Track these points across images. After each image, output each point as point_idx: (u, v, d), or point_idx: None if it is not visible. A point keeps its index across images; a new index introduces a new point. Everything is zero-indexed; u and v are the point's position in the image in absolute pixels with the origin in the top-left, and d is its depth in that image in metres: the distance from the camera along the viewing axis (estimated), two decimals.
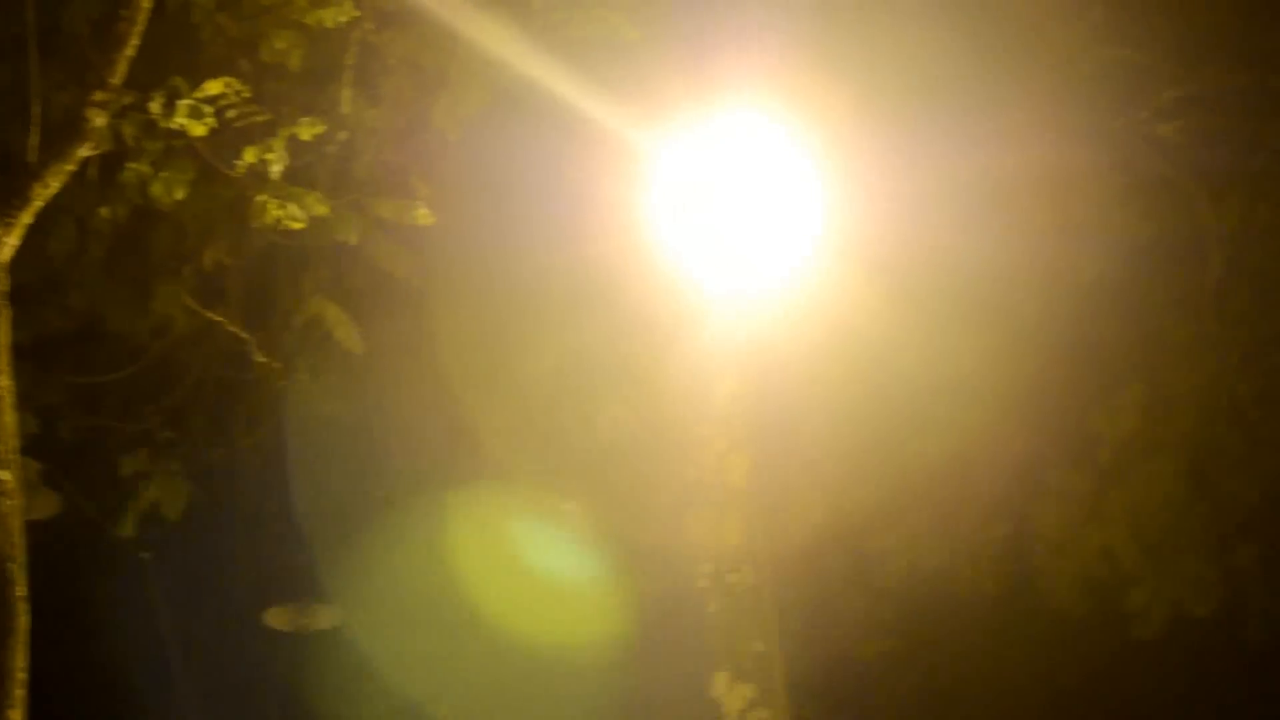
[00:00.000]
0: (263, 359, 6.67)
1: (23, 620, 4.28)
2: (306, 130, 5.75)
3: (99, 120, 4.57)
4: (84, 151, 4.59)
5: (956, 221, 6.89)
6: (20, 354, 4.57)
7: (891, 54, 6.63)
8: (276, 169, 5.69)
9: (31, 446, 5.76)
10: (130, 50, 4.61)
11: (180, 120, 5.48)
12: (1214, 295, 7.29)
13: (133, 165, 5.75)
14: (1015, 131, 6.92)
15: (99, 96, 4.56)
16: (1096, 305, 7.28)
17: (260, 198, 5.68)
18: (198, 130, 5.52)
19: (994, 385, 7.15)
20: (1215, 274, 7.28)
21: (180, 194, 5.83)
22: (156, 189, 5.80)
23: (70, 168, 4.58)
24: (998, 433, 7.33)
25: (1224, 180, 7.26)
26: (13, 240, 4.43)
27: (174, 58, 5.64)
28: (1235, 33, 7.21)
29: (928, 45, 6.65)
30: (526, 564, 7.76)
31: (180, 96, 5.48)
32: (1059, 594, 7.73)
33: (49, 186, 4.52)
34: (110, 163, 5.70)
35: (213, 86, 5.51)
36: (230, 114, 5.57)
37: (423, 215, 6.03)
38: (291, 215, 5.70)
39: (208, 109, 5.50)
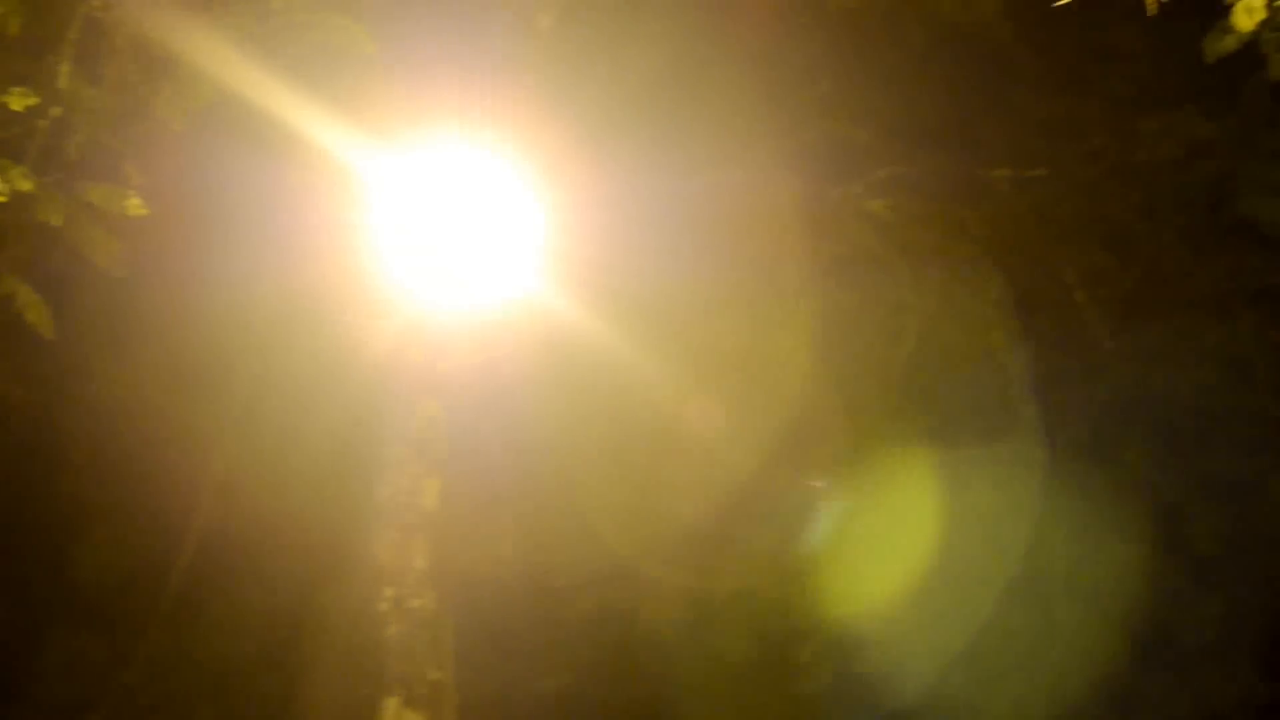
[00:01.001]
0: None
1: None
2: (18, 101, 5.52)
3: None
4: None
5: (674, 262, 7.02)
6: None
7: (621, 92, 6.74)
8: None
9: None
10: None
11: None
12: (904, 369, 7.60)
13: None
14: (738, 186, 7.11)
15: None
16: (798, 365, 7.51)
17: None
18: None
19: (687, 430, 7.29)
20: (908, 348, 7.60)
21: None
22: None
23: None
24: (688, 478, 7.49)
25: (926, 260, 7.60)
26: None
27: None
28: (951, 122, 7.58)
29: (658, 89, 6.79)
30: None
31: None
32: (735, 642, 7.91)
33: None
34: None
35: None
36: None
37: (134, 205, 5.83)
38: None
39: None
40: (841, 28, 7.24)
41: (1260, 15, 5.30)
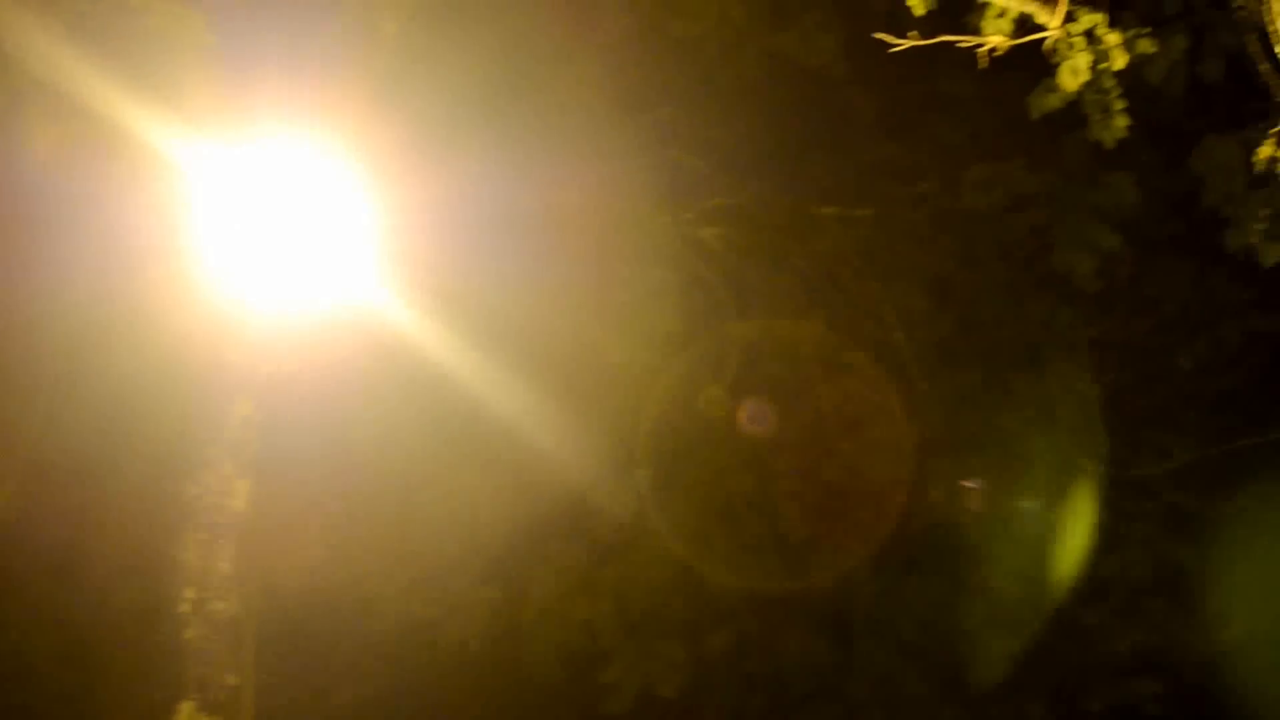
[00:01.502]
0: None
1: None
2: None
3: None
4: None
5: (504, 271, 6.99)
6: None
7: (461, 101, 6.71)
8: None
9: None
10: None
11: None
12: (726, 397, 7.67)
13: None
14: (571, 203, 7.12)
15: None
16: (621, 387, 7.54)
17: None
18: None
19: (509, 442, 7.26)
20: (730, 376, 7.68)
21: None
22: None
23: None
24: (502, 495, 7.46)
25: (752, 291, 7.69)
26: None
27: None
28: (785, 157, 7.69)
29: (499, 100, 6.78)
30: None
31: None
32: (540, 660, 7.89)
33: None
34: None
35: None
36: None
37: None
38: None
39: None
40: (684, 56, 7.31)
41: (1084, 77, 5.49)
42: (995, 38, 5.23)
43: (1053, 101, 5.79)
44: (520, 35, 6.86)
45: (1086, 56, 5.43)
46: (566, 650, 7.80)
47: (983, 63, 5.26)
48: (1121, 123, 5.79)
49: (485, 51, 6.74)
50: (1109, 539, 8.29)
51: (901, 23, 5.23)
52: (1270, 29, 5.61)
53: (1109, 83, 5.63)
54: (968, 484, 8.25)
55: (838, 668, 8.12)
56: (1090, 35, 5.40)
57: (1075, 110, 5.87)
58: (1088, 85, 5.58)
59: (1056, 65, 5.52)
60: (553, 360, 7.16)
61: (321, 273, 6.02)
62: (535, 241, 7.04)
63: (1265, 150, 5.74)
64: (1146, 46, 5.56)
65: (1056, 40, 5.33)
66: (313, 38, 6.11)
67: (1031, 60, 5.63)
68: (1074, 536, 8.25)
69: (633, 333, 7.39)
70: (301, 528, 7.28)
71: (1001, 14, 5.33)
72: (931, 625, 8.13)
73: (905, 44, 5.07)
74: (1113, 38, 5.40)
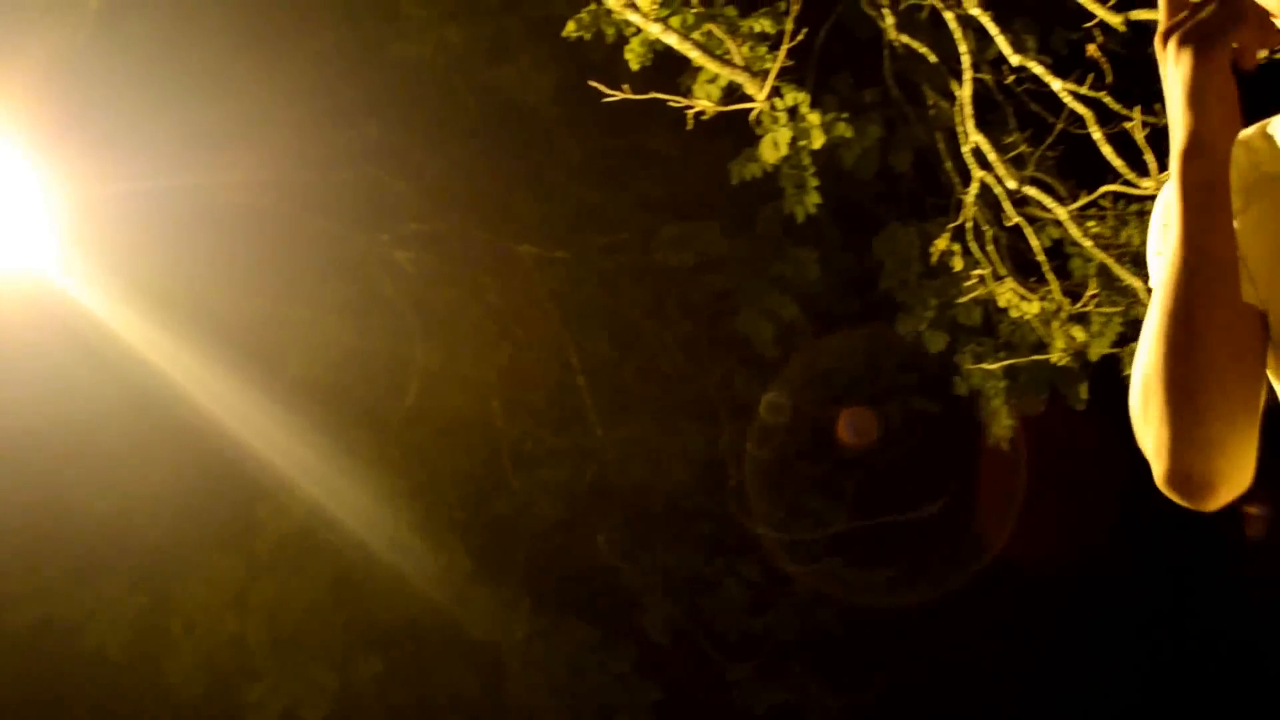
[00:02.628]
0: None
1: None
2: None
3: None
4: None
5: (195, 268, 6.81)
6: None
7: (163, 91, 6.53)
8: None
9: None
10: None
11: None
12: (400, 425, 7.63)
13: None
14: (267, 209, 6.99)
15: None
16: (297, 402, 7.41)
17: None
18: None
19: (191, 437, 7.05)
20: (406, 405, 7.64)
21: None
22: None
23: None
24: (162, 498, 7.23)
25: (440, 320, 7.68)
26: None
27: None
28: (488, 191, 7.72)
29: (202, 94, 6.62)
30: None
31: None
32: (183, 673, 7.65)
33: None
34: None
35: None
36: None
37: None
38: None
39: None
40: (400, 77, 7.27)
41: (784, 151, 5.70)
42: (704, 102, 5.38)
43: (752, 170, 5.99)
44: (229, 32, 6.71)
45: (788, 132, 5.64)
46: (212, 664, 7.58)
47: (690, 124, 5.40)
48: (813, 199, 6.03)
49: (191, 44, 6.57)
50: (761, 599, 8.56)
51: (617, 75, 5.34)
52: (959, 130, 5.94)
53: (806, 160, 5.86)
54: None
55: (488, 706, 8.12)
56: (793, 112, 5.61)
57: (772, 182, 6.08)
58: (786, 160, 5.79)
59: (759, 136, 5.72)
60: (235, 366, 7.00)
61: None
62: (228, 243, 6.89)
63: (940, 244, 6.06)
64: (844, 130, 5.81)
65: (761, 113, 5.52)
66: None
67: (737, 129, 5.82)
68: (730, 590, 8.49)
69: (312, 347, 7.28)
70: None
71: (713, 80, 5.49)
72: (583, 668, 8.22)
73: (618, 96, 5.16)
74: (814, 118, 5.62)
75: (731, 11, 5.51)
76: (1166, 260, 1.75)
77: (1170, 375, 1.71)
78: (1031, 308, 6.05)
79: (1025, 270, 6.26)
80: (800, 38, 5.18)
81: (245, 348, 6.92)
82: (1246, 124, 1.89)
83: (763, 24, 5.46)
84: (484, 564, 7.89)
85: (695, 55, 5.22)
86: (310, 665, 7.74)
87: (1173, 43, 1.80)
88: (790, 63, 5.23)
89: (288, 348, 7.18)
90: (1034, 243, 6.01)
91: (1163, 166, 5.19)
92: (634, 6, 5.02)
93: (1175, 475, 1.72)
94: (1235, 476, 1.74)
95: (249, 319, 6.99)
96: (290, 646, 7.71)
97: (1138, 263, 6.28)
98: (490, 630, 8.01)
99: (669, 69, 5.63)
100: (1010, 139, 6.14)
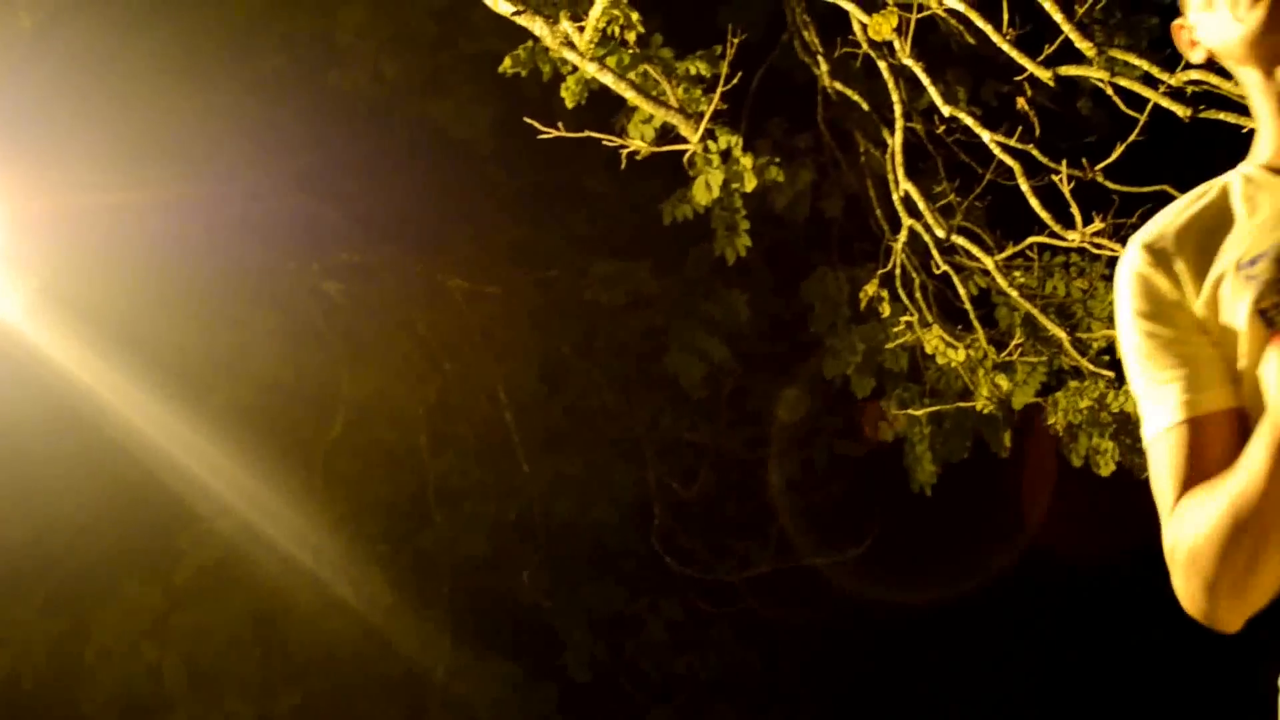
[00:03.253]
0: None
1: None
2: None
3: None
4: None
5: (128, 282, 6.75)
6: None
7: (97, 107, 6.48)
8: None
9: None
10: None
11: None
12: (326, 455, 7.58)
13: None
14: (199, 238, 6.95)
15: None
16: (222, 430, 7.34)
17: None
18: None
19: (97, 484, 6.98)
20: (333, 435, 7.60)
21: None
22: None
23: None
24: (83, 522, 7.14)
25: (369, 352, 7.65)
26: None
27: None
28: (421, 223, 7.71)
29: (133, 112, 6.58)
30: None
31: None
32: (97, 703, 7.54)
33: None
34: None
35: None
36: None
37: None
38: None
39: None
40: (337, 107, 7.26)
41: (716, 193, 5.75)
42: (638, 142, 5.41)
43: (684, 211, 6.03)
44: (166, 55, 6.68)
45: (720, 174, 5.68)
46: (128, 694, 7.48)
47: (623, 163, 5.43)
48: (744, 242, 6.07)
49: (127, 64, 6.53)
50: (683, 639, 8.56)
51: (553, 111, 5.36)
52: (889, 178, 6.01)
53: (738, 202, 5.91)
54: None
55: None
56: (726, 155, 5.65)
57: (704, 222, 6.12)
58: (718, 202, 5.83)
59: (692, 177, 5.76)
60: (161, 391, 6.93)
61: None
62: (158, 266, 6.83)
63: (869, 289, 6.12)
64: (776, 174, 5.86)
65: (695, 154, 5.55)
66: None
67: (670, 169, 5.85)
68: (653, 630, 8.49)
69: (240, 374, 7.23)
70: None
71: (648, 120, 5.52)
72: (504, 705, 8.18)
73: (553, 133, 5.18)
74: (746, 161, 5.67)
75: (667, 53, 5.55)
76: (1249, 478, 1.88)
77: (1225, 565, 1.91)
78: (957, 355, 6.12)
79: (952, 318, 6.32)
80: (735, 81, 5.22)
81: (172, 373, 6.86)
82: None
83: (698, 66, 5.51)
84: (407, 598, 7.84)
85: (631, 95, 5.25)
86: (227, 697, 7.66)
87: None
88: (725, 106, 5.27)
89: (215, 375, 7.12)
90: (961, 291, 6.08)
91: (1087, 219, 5.28)
92: (570, 45, 5.04)
93: (1207, 620, 1.97)
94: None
95: (177, 344, 6.93)
96: (208, 677, 7.62)
97: (1062, 313, 6.38)
98: (411, 665, 7.96)
99: (604, 108, 5.66)
100: (940, 188, 6.22)
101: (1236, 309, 1.96)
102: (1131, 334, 2.07)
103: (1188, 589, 1.97)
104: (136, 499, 7.16)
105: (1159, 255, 2.04)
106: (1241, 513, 1.87)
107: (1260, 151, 2.07)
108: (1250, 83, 2.05)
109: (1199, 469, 1.99)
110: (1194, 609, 1.97)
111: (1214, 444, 2.00)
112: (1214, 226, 2.03)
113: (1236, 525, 1.88)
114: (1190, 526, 1.95)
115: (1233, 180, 2.07)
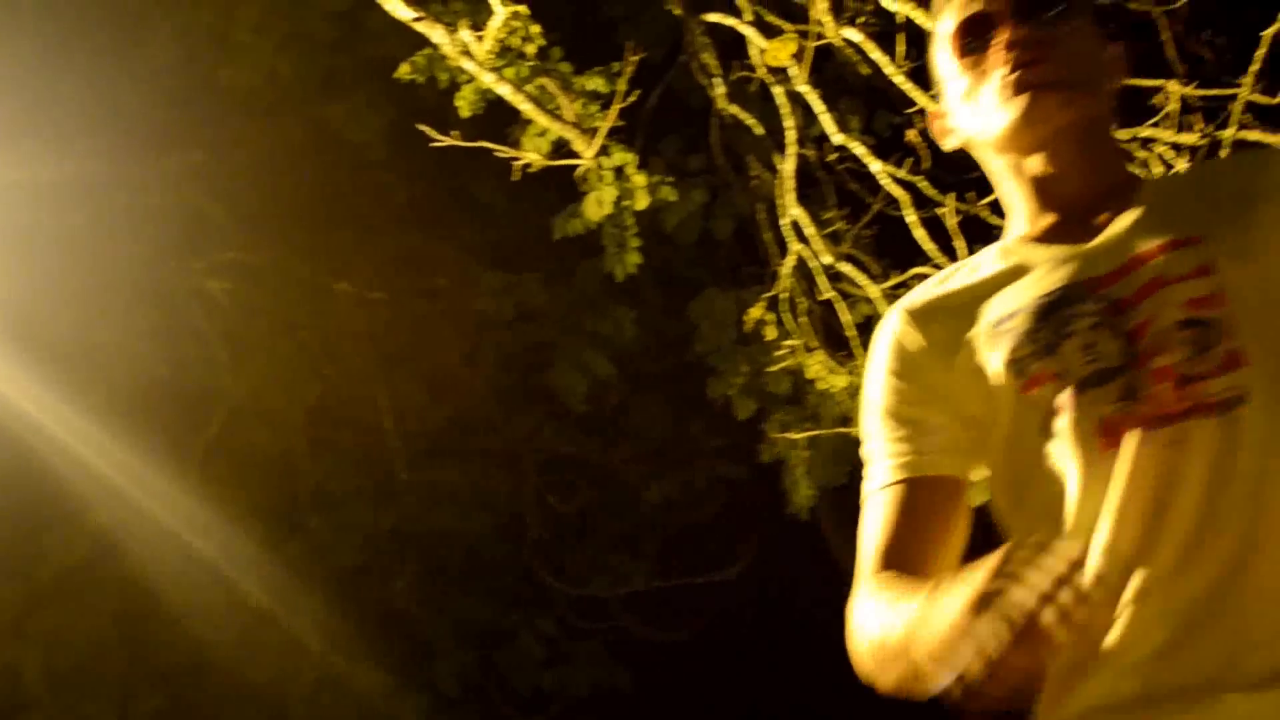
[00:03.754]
0: None
1: None
2: None
3: None
4: None
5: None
6: None
7: None
8: None
9: None
10: None
11: None
12: (202, 456, 7.48)
13: None
14: (78, 227, 6.82)
15: None
16: (95, 428, 7.20)
17: None
18: None
19: None
20: (210, 436, 7.49)
21: None
22: None
23: None
24: None
25: (250, 354, 7.56)
26: None
27: None
28: (308, 224, 7.63)
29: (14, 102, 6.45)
30: None
31: None
32: None
33: None
34: None
35: None
36: None
37: None
38: None
39: None
40: (228, 106, 7.16)
41: (607, 210, 5.76)
42: (532, 155, 5.41)
43: (575, 226, 6.03)
44: (52, 39, 6.55)
45: (613, 191, 5.70)
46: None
47: (516, 175, 5.43)
48: (634, 259, 6.09)
49: (9, 45, 6.38)
50: (555, 654, 8.54)
51: (448, 120, 5.34)
52: (779, 203, 6.06)
53: (629, 220, 5.92)
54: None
55: None
56: (619, 172, 5.67)
57: (595, 238, 6.13)
58: (609, 218, 5.85)
59: (584, 193, 5.76)
60: (33, 387, 6.79)
61: None
62: (31, 256, 6.68)
63: (755, 312, 6.17)
64: (668, 194, 5.90)
65: (588, 170, 5.57)
66: None
67: (563, 183, 5.86)
68: (525, 643, 8.46)
69: (116, 372, 7.10)
70: None
71: (542, 133, 5.53)
72: (372, 715, 8.11)
73: (446, 142, 5.17)
74: (639, 179, 5.69)
75: (566, 68, 5.56)
76: (934, 626, 1.76)
77: (893, 675, 1.88)
78: (839, 381, 6.18)
79: (836, 344, 6.39)
80: (632, 99, 5.25)
81: (45, 369, 6.71)
82: None
83: (595, 82, 5.53)
84: (278, 604, 7.74)
85: (526, 108, 5.25)
86: (87, 700, 7.51)
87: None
88: (620, 123, 5.29)
89: (91, 371, 6.97)
90: (845, 318, 6.14)
91: (973, 252, 5.36)
92: (469, 55, 5.03)
93: (888, 692, 1.91)
94: None
95: (50, 339, 6.78)
96: (68, 680, 7.47)
97: None
98: (277, 673, 7.85)
99: (499, 119, 5.66)
100: (828, 215, 6.28)
101: (990, 363, 2.02)
102: (878, 392, 2.14)
103: (860, 665, 1.98)
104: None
105: (919, 320, 2.13)
106: (916, 648, 1.80)
107: (1016, 226, 2.18)
108: (1006, 168, 2.15)
109: (907, 532, 2.03)
110: (862, 677, 1.98)
111: (926, 508, 2.04)
112: (974, 294, 2.11)
113: (909, 653, 1.82)
114: (872, 624, 1.94)
115: (993, 251, 2.18)
